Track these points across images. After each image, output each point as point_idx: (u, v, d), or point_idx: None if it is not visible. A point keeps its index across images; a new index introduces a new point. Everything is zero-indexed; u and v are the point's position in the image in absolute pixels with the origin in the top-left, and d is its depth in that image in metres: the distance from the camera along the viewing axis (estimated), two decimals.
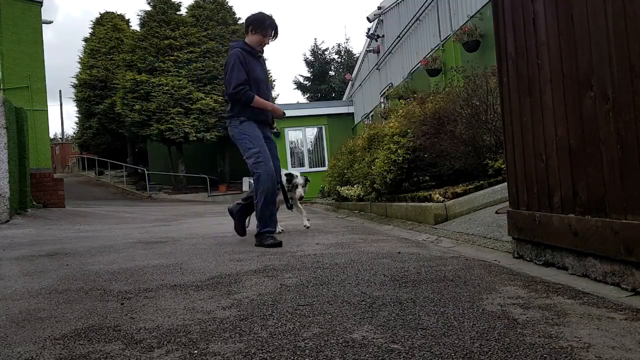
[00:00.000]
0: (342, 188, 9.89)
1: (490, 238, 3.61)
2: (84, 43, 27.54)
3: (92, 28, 27.55)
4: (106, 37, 26.25)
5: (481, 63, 7.53)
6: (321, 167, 19.67)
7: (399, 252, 3.30)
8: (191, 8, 22.06)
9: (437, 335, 1.54)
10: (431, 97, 6.76)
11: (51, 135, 29.15)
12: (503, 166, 4.47)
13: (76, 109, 29.05)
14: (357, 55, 27.95)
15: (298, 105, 23.40)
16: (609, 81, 1.97)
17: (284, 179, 4.73)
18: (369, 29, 17.59)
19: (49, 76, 11.44)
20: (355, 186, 8.87)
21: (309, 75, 33.21)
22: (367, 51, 18.05)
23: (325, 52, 33.39)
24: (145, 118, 20.11)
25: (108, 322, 1.88)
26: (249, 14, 4.26)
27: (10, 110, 8.40)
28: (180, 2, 22.03)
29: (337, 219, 7.79)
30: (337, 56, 33.61)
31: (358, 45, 62.82)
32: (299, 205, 5.11)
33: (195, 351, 1.51)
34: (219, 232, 5.60)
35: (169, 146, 21.98)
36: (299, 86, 33.15)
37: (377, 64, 16.91)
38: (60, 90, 54.73)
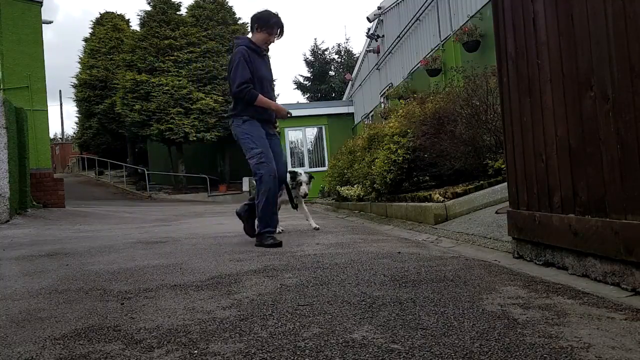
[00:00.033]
0: (342, 188, 9.90)
1: (490, 238, 3.61)
2: (84, 43, 27.57)
3: (92, 28, 27.56)
4: (106, 37, 26.26)
5: (481, 63, 7.53)
6: (321, 167, 19.67)
7: (399, 252, 3.30)
8: (191, 8, 22.07)
9: (437, 335, 1.54)
10: (431, 97, 6.76)
11: (51, 135, 29.17)
12: (503, 166, 4.47)
13: (76, 109, 29.08)
14: (357, 55, 27.96)
15: (298, 105, 23.39)
16: (609, 81, 1.97)
17: (287, 176, 4.66)
18: (369, 29, 17.59)
19: (49, 76, 11.45)
20: (355, 186, 8.87)
21: (309, 75, 33.22)
22: (367, 51, 18.05)
23: (325, 52, 33.41)
24: (145, 118, 20.12)
25: (108, 322, 1.88)
26: (254, 12, 4.21)
27: (10, 110, 8.40)
28: (180, 2, 22.05)
29: (337, 219, 7.79)
30: (337, 56, 33.63)
31: (358, 45, 62.86)
32: (304, 206, 5.02)
33: (195, 351, 1.51)
34: (219, 232, 5.60)
35: (169, 146, 21.99)
36: (299, 86, 33.16)
37: (377, 64, 16.91)
38: (60, 90, 54.78)
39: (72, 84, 27.46)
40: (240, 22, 22.57)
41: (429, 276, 2.44)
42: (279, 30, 4.14)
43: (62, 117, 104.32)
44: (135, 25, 24.47)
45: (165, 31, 20.91)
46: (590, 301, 1.86)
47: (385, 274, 2.56)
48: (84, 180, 26.56)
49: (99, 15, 28.62)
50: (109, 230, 6.53)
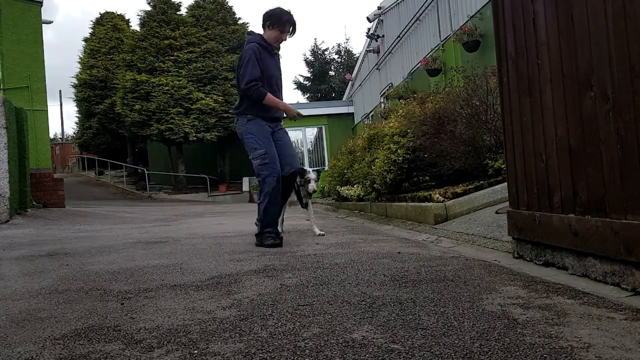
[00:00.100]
0: (342, 188, 9.89)
1: (490, 238, 3.61)
2: (84, 43, 27.55)
3: (92, 28, 27.55)
4: (106, 37, 26.25)
5: (481, 63, 7.53)
6: (321, 167, 19.67)
7: (399, 252, 3.30)
8: (191, 8, 22.07)
9: (437, 335, 1.54)
10: (431, 97, 6.76)
11: (51, 135, 29.16)
12: (503, 166, 4.47)
13: (76, 109, 29.08)
14: (357, 55, 27.96)
15: (298, 105, 23.37)
16: (609, 81, 1.97)
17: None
18: (369, 29, 17.60)
19: (49, 76, 11.44)
20: (355, 186, 8.87)
21: (309, 75, 33.23)
22: (367, 51, 18.06)
23: (325, 52, 33.42)
24: (145, 118, 20.11)
25: (108, 322, 1.88)
26: (266, 9, 4.13)
27: (10, 110, 8.40)
28: (180, 2, 22.04)
29: (337, 219, 7.79)
30: (337, 56, 33.64)
31: (358, 45, 62.84)
32: (311, 209, 4.85)
33: (195, 351, 1.51)
34: (219, 232, 5.60)
35: (169, 146, 21.98)
36: (299, 86, 33.17)
37: (377, 64, 16.91)
38: (60, 90, 54.77)
39: (72, 84, 27.48)
40: (240, 22, 22.57)
41: (429, 276, 2.44)
42: (291, 28, 4.07)
43: (62, 117, 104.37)
44: (135, 25, 24.50)
45: (165, 31, 20.91)
46: (590, 301, 1.86)
47: (385, 274, 2.56)
48: (84, 180, 26.56)
49: (98, 15, 28.65)
50: (109, 230, 6.53)
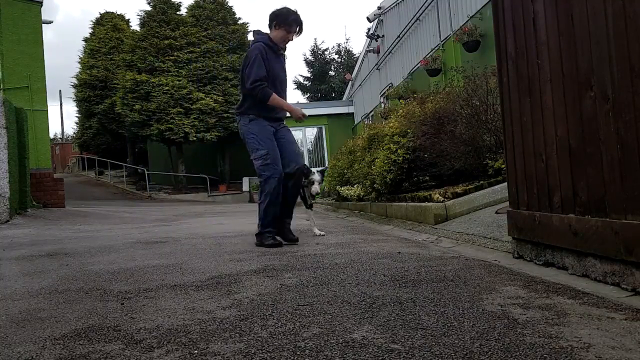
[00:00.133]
0: (342, 188, 9.89)
1: (490, 238, 3.61)
2: (84, 43, 27.53)
3: (92, 28, 27.53)
4: (106, 37, 26.24)
5: (481, 63, 7.53)
6: (321, 167, 19.67)
7: (399, 252, 3.30)
8: (191, 8, 22.06)
9: (437, 335, 1.54)
10: (431, 97, 6.76)
11: (51, 135, 29.15)
12: (503, 166, 4.47)
13: (76, 109, 29.06)
14: (357, 55, 27.96)
15: (298, 105, 23.35)
16: (609, 81, 1.97)
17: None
18: (369, 29, 17.60)
19: (49, 76, 11.44)
20: (355, 186, 8.87)
21: (309, 75, 33.22)
22: (367, 51, 18.06)
23: (325, 52, 33.41)
24: (145, 118, 20.11)
25: (108, 322, 1.88)
26: (272, 9, 4.10)
27: (10, 110, 8.40)
28: (180, 2, 22.03)
29: (337, 219, 7.79)
30: (337, 56, 33.63)
31: (358, 45, 62.82)
32: (312, 210, 4.85)
33: (195, 351, 1.51)
34: (219, 232, 5.60)
35: (169, 146, 21.98)
36: (299, 86, 33.17)
37: (377, 64, 16.91)
38: (60, 90, 54.73)
39: (72, 84, 27.46)
40: (240, 22, 22.56)
41: (429, 276, 2.44)
42: (297, 28, 4.05)
43: (62, 117, 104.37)
44: (135, 25, 24.47)
45: (165, 31, 20.90)
46: (590, 301, 1.86)
47: (385, 274, 2.56)
48: (84, 180, 26.56)
49: (98, 15, 28.63)
50: (109, 230, 6.53)
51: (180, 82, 20.16)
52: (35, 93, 10.89)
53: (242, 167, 21.09)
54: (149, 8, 21.77)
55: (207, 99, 20.21)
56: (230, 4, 22.70)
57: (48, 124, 11.38)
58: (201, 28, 21.25)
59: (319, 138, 22.22)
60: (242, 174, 20.83)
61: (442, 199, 5.12)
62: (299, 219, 5.20)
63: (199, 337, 1.64)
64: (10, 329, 1.84)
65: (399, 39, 13.98)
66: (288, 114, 4.19)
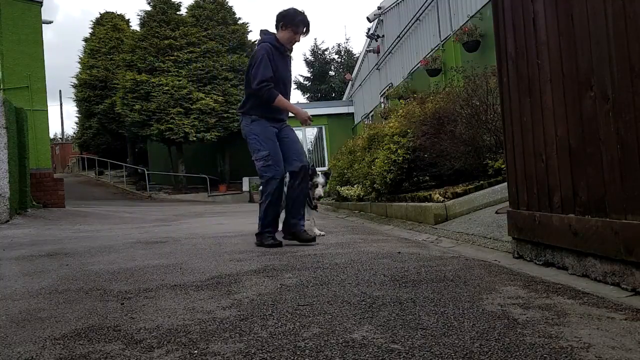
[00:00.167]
0: (342, 188, 9.89)
1: (490, 238, 3.61)
2: (84, 43, 27.52)
3: (92, 28, 27.53)
4: (106, 37, 26.23)
5: (481, 63, 7.53)
6: (321, 167, 19.67)
7: (399, 252, 3.30)
8: (191, 8, 22.06)
9: (437, 335, 1.54)
10: (431, 97, 6.76)
11: (51, 135, 29.14)
12: (503, 166, 4.47)
13: (76, 109, 29.06)
14: (357, 55, 27.96)
15: (298, 105, 23.38)
16: (609, 81, 1.97)
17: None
18: (369, 29, 17.61)
19: (49, 76, 11.44)
20: (355, 186, 8.87)
21: (309, 75, 33.22)
22: (367, 51, 18.06)
23: (325, 52, 33.41)
24: (145, 118, 20.11)
25: (108, 322, 1.88)
26: (280, 10, 4.07)
27: (10, 110, 8.40)
28: (180, 2, 22.03)
29: (337, 219, 7.79)
30: (337, 56, 33.63)
31: (358, 45, 62.84)
32: (316, 210, 4.81)
33: (195, 351, 1.51)
34: (219, 232, 5.60)
35: (169, 146, 21.98)
36: (299, 86, 33.16)
37: (377, 64, 16.91)
38: (60, 90, 54.73)
39: (72, 84, 27.45)
40: (240, 22, 22.56)
41: (429, 276, 2.44)
42: (304, 29, 4.02)
43: (62, 117, 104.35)
44: (135, 25, 24.47)
45: (165, 31, 20.90)
46: (590, 301, 1.86)
47: (385, 274, 2.56)
48: (84, 180, 26.55)
49: (98, 15, 28.62)
50: (109, 230, 6.53)
51: (180, 82, 20.16)
52: (35, 93, 10.88)
53: (242, 167, 21.09)
54: (149, 8, 21.77)
55: (207, 99, 20.21)
56: (230, 4, 22.71)
57: (48, 124, 11.38)
58: (201, 28, 21.25)
59: (319, 138, 22.23)
60: (242, 174, 20.82)
61: (442, 199, 5.12)
62: None
63: (199, 337, 1.64)
64: (10, 329, 1.84)
65: (399, 39, 13.99)
66: (291, 114, 4.16)
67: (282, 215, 4.22)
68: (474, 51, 9.23)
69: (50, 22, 14.03)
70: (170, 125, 19.91)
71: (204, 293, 2.31)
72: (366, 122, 16.21)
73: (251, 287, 2.38)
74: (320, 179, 4.43)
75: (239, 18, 22.82)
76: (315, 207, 4.58)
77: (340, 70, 32.31)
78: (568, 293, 1.99)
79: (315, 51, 33.11)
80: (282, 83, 4.02)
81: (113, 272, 3.02)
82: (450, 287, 2.18)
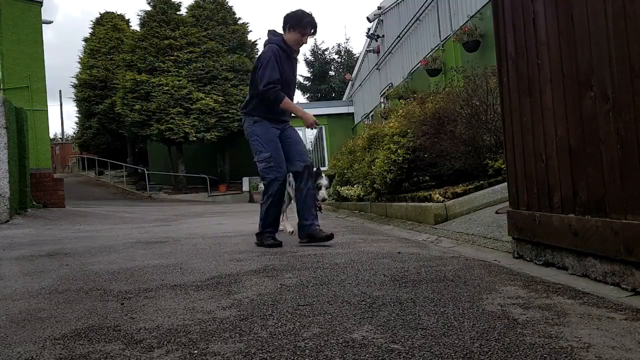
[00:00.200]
0: (342, 188, 9.89)
1: (490, 238, 3.61)
2: (84, 43, 27.53)
3: (92, 28, 27.53)
4: (106, 37, 26.24)
5: (481, 63, 7.53)
6: (321, 167, 19.66)
7: (399, 252, 3.30)
8: (191, 8, 22.07)
9: (437, 335, 1.54)
10: (431, 97, 6.76)
11: (51, 135, 29.13)
12: (503, 166, 4.47)
13: (76, 109, 29.06)
14: (357, 55, 27.97)
15: (298, 105, 23.36)
16: (609, 81, 1.97)
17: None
18: (369, 29, 17.61)
19: (49, 76, 11.44)
20: (355, 186, 8.87)
21: (309, 75, 33.22)
22: (367, 51, 18.06)
23: (325, 52, 33.43)
24: (145, 118, 20.12)
25: (108, 322, 1.88)
26: (287, 12, 4.07)
27: (10, 110, 8.40)
28: (180, 2, 22.04)
29: (337, 219, 7.79)
30: (337, 56, 33.66)
31: (358, 45, 62.85)
32: (321, 211, 4.80)
33: (195, 351, 1.51)
34: (219, 232, 5.60)
35: (169, 146, 21.99)
36: (299, 86, 33.15)
37: (377, 64, 16.92)
38: (60, 90, 54.74)
39: (72, 84, 27.46)
40: (240, 22, 22.57)
41: (429, 276, 2.44)
42: (312, 30, 4.01)
43: (62, 117, 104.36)
44: (135, 25, 24.48)
45: (165, 31, 20.90)
46: (590, 301, 1.86)
47: (385, 274, 2.56)
48: (84, 180, 26.56)
49: (98, 15, 28.63)
50: (109, 230, 6.53)
51: (180, 82, 20.17)
52: (35, 93, 10.89)
53: (242, 167, 21.10)
54: (149, 8, 21.78)
55: (207, 99, 20.22)
56: (230, 4, 22.72)
57: (48, 124, 11.38)
58: (201, 28, 21.25)
59: (319, 138, 22.22)
60: (242, 174, 20.83)
61: (442, 199, 5.12)
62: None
63: (199, 337, 1.64)
64: (10, 329, 1.84)
65: (399, 39, 13.99)
66: (293, 114, 4.14)
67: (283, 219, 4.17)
68: (474, 51, 9.23)
69: (50, 22, 14.04)
70: (170, 125, 19.91)
71: (204, 293, 2.31)
72: (366, 122, 16.22)
73: (251, 287, 2.38)
74: (324, 181, 4.42)
75: (239, 18, 22.85)
76: (319, 209, 4.58)
77: (340, 70, 32.32)
78: (568, 293, 1.99)
79: (315, 51, 33.14)
80: (287, 85, 4.01)
81: (113, 272, 3.02)
82: (450, 287, 2.18)
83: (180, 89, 20.08)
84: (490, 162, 5.29)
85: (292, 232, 4.65)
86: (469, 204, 4.87)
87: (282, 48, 3.96)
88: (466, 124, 5.55)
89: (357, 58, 24.24)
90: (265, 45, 4.05)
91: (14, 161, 8.45)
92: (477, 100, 5.58)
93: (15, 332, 1.80)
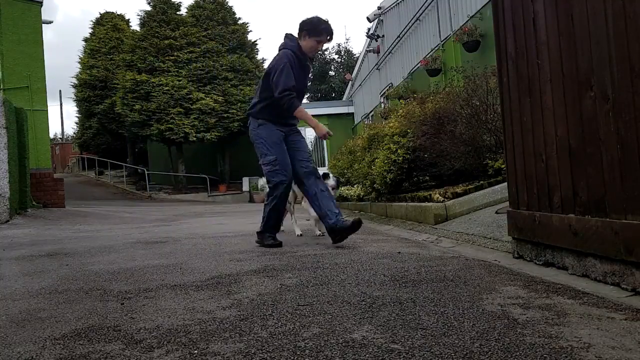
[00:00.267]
0: (342, 188, 9.90)
1: (490, 238, 3.61)
2: (84, 43, 27.51)
3: (92, 28, 27.51)
4: (106, 37, 26.23)
5: (481, 63, 7.53)
6: (321, 167, 19.67)
7: (399, 252, 3.30)
8: (191, 8, 22.05)
9: (437, 335, 1.54)
10: (431, 97, 6.76)
11: (51, 135, 29.12)
12: (503, 166, 4.47)
13: (76, 109, 29.05)
14: (357, 55, 27.97)
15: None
16: (609, 81, 1.97)
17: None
18: (369, 29, 17.61)
19: (49, 76, 11.44)
20: (355, 186, 8.87)
21: (309, 75, 33.17)
22: (367, 51, 18.06)
23: (325, 52, 33.40)
24: (145, 118, 20.11)
25: (108, 322, 1.88)
26: (304, 18, 4.05)
27: (10, 110, 8.40)
28: (180, 2, 22.02)
29: None
30: (337, 56, 33.65)
31: (358, 45, 62.85)
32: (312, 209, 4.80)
33: (195, 351, 1.51)
34: (219, 232, 5.60)
35: (169, 146, 21.98)
36: None
37: (377, 64, 16.91)
38: (60, 90, 54.68)
39: (72, 84, 27.44)
40: (240, 22, 22.56)
41: (429, 276, 2.44)
42: (328, 37, 3.99)
43: (62, 117, 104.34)
44: (135, 25, 24.45)
45: (165, 31, 20.89)
46: (590, 301, 1.86)
47: (385, 274, 2.56)
48: (84, 180, 26.55)
49: (98, 15, 28.61)
50: (109, 230, 6.53)
51: (180, 82, 20.16)
52: (35, 93, 10.89)
53: (242, 167, 21.09)
54: (149, 8, 21.76)
55: (207, 99, 20.21)
56: (230, 4, 22.69)
57: (48, 124, 11.38)
58: (201, 28, 21.24)
59: (319, 138, 22.17)
60: (242, 174, 20.81)
61: (442, 199, 5.12)
62: (300, 219, 5.20)
63: (199, 337, 1.64)
64: (10, 329, 1.84)
65: (399, 39, 13.98)
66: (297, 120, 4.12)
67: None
68: (474, 51, 9.22)
69: (50, 22, 14.04)
70: (170, 125, 19.91)
71: (204, 293, 2.31)
72: (366, 122, 16.21)
73: (251, 287, 2.38)
74: (331, 181, 4.41)
75: (239, 18, 22.82)
76: None
77: (340, 70, 32.32)
78: (568, 293, 1.99)
79: None
80: (298, 92, 3.97)
81: (113, 272, 3.02)
82: (450, 287, 2.18)
83: (180, 89, 20.07)
84: (490, 162, 5.29)
85: (301, 234, 4.68)
86: (469, 204, 4.87)
87: (297, 54, 3.94)
88: (466, 124, 5.55)
89: (357, 58, 24.24)
90: (280, 49, 4.02)
91: (14, 161, 8.45)
92: (477, 100, 5.58)
93: (15, 332, 1.80)
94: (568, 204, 2.31)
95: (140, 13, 22.39)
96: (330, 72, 33.01)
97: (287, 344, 1.53)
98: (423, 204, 5.39)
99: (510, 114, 2.86)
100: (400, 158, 6.21)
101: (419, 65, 12.10)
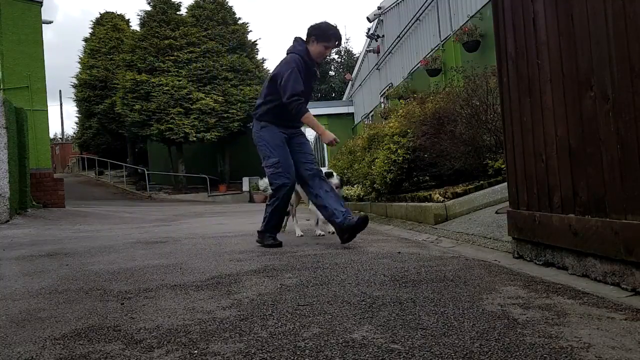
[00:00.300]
0: (343, 188, 9.90)
1: (490, 238, 3.61)
2: (84, 43, 27.52)
3: (92, 28, 27.52)
4: (106, 37, 26.24)
5: (481, 63, 7.53)
6: (321, 167, 19.64)
7: (399, 252, 3.30)
8: (191, 8, 22.06)
9: (437, 335, 1.54)
10: (431, 97, 6.76)
11: (51, 135, 29.12)
12: (503, 166, 4.47)
13: (76, 109, 29.06)
14: (357, 55, 27.96)
15: None
16: (609, 81, 1.97)
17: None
18: (369, 29, 17.61)
19: (49, 76, 11.44)
20: (355, 186, 8.87)
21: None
22: (367, 51, 18.05)
23: None
24: (145, 118, 20.12)
25: (108, 322, 1.88)
26: (312, 23, 4.04)
27: (10, 110, 8.40)
28: (180, 2, 22.03)
29: None
30: (337, 56, 33.60)
31: (358, 45, 62.89)
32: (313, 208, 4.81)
33: (195, 351, 1.51)
34: (219, 232, 5.60)
35: (169, 146, 21.98)
36: None
37: (377, 64, 16.91)
38: (60, 90, 54.70)
39: (72, 84, 27.45)
40: (240, 22, 22.57)
41: (429, 276, 2.44)
42: (336, 43, 4.00)
43: (62, 117, 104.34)
44: (135, 25, 24.47)
45: (165, 31, 20.90)
46: (590, 301, 1.86)
47: (385, 274, 2.56)
48: (84, 180, 26.55)
49: (98, 15, 28.62)
50: (109, 230, 6.53)
51: (180, 82, 20.17)
52: (35, 93, 10.89)
53: (242, 167, 21.09)
54: (149, 8, 21.78)
55: (207, 99, 20.22)
56: (230, 4, 22.71)
57: (48, 124, 11.39)
58: (201, 28, 21.25)
59: (318, 138, 22.17)
60: (242, 174, 20.82)
61: (442, 199, 5.12)
62: (300, 219, 5.20)
63: (199, 337, 1.64)
64: (10, 329, 1.84)
65: (399, 39, 13.98)
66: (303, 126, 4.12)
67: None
68: (474, 51, 9.22)
69: (50, 22, 14.04)
70: (170, 125, 19.91)
71: (204, 293, 2.31)
72: (366, 122, 16.21)
73: (251, 287, 2.38)
74: (335, 180, 4.41)
75: (239, 18, 22.84)
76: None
77: (340, 70, 32.31)
78: (568, 293, 1.99)
79: None
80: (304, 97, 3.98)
81: (113, 272, 3.02)
82: (450, 287, 2.18)
83: (180, 89, 20.08)
84: (490, 162, 5.29)
85: (302, 235, 4.68)
86: (469, 204, 4.87)
87: (304, 59, 3.93)
88: (466, 124, 5.55)
89: (357, 58, 24.24)
90: (288, 52, 4.02)
91: (14, 161, 8.45)
92: (477, 100, 5.58)
93: (15, 332, 1.80)
94: (568, 204, 2.31)
95: (140, 13, 22.43)
96: (330, 72, 32.99)
97: (287, 344, 1.53)
98: (423, 204, 5.39)
99: (510, 114, 2.86)
100: (400, 158, 6.21)
101: (419, 65, 12.10)
